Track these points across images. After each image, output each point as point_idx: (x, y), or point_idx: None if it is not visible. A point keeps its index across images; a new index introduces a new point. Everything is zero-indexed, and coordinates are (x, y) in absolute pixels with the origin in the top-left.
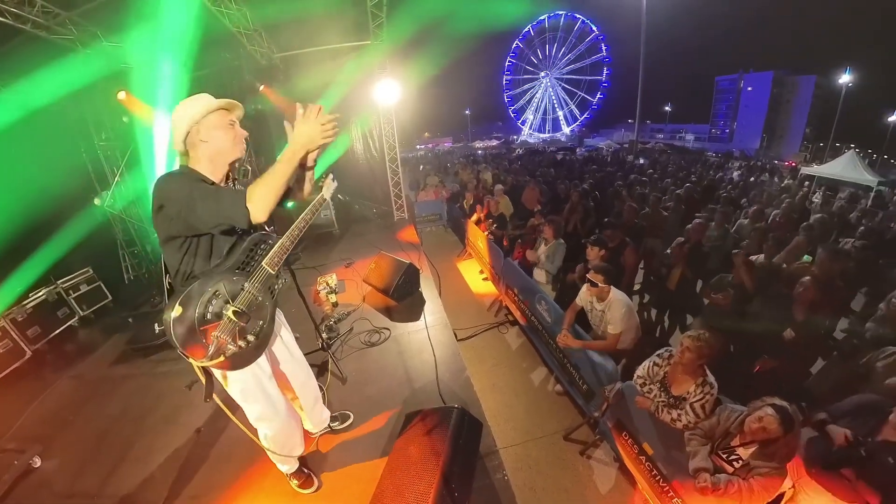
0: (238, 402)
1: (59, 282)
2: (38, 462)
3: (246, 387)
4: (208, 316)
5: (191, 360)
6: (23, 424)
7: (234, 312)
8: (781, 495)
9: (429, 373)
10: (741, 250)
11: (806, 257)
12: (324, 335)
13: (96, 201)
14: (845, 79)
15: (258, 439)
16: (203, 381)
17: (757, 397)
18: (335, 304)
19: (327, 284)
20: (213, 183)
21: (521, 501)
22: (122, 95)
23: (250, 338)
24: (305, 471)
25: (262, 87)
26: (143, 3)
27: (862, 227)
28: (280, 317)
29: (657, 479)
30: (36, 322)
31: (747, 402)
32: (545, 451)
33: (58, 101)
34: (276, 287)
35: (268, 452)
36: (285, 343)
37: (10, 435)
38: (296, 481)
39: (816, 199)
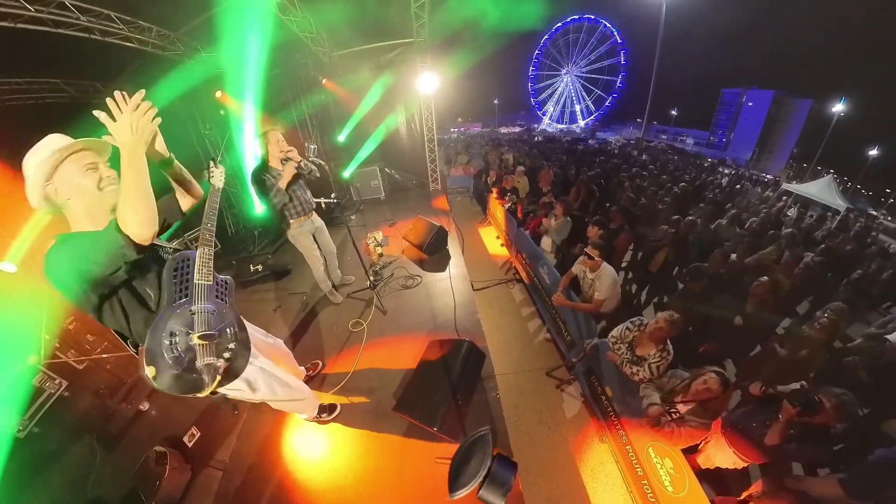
0: (254, 394)
1: (185, 235)
2: (146, 406)
3: (254, 378)
4: (182, 355)
5: (200, 395)
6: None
7: (200, 337)
8: (697, 444)
9: (449, 312)
10: (721, 250)
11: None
12: (371, 278)
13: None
14: (839, 108)
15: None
16: (224, 400)
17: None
18: (380, 255)
19: (375, 239)
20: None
21: (507, 415)
22: (218, 94)
23: (231, 346)
24: (326, 404)
25: (324, 81)
26: (230, 19)
27: (823, 245)
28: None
29: (610, 414)
30: None
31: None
32: (530, 381)
33: (174, 102)
34: (223, 293)
35: (294, 405)
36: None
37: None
38: (325, 414)
39: (791, 213)
